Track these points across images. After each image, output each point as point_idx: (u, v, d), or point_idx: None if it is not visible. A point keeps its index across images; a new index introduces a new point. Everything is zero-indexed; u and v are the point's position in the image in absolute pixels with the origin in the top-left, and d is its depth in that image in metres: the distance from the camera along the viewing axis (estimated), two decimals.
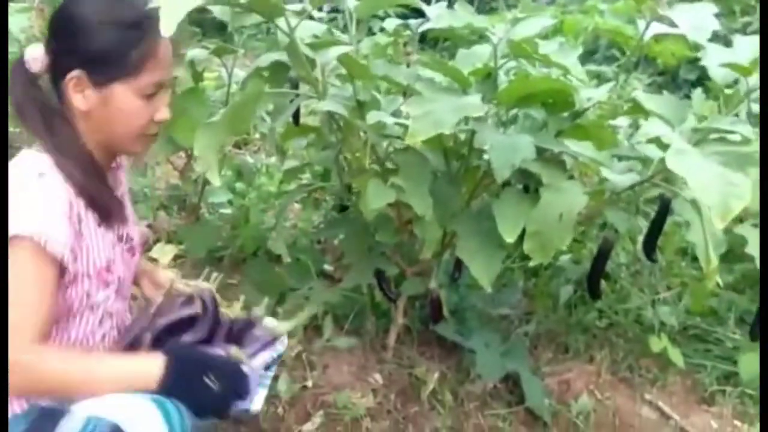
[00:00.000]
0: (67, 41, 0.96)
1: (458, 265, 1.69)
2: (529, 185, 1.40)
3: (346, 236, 1.72)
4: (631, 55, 1.61)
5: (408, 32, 1.54)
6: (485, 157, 1.44)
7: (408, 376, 1.81)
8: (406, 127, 1.14)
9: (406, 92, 1.41)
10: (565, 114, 1.41)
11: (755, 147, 0.98)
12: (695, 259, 2.27)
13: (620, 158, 1.45)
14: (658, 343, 1.82)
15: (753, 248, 1.20)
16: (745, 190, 0.92)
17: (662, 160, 1.15)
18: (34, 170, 0.92)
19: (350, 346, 1.86)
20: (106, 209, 1.00)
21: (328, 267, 2.17)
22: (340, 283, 1.91)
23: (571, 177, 1.51)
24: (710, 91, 2.00)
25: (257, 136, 2.91)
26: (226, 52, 1.81)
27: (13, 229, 0.85)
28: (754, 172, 0.94)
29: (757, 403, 1.77)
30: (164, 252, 2.10)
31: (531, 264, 2.09)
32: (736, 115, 1.18)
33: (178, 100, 1.60)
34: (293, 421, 1.60)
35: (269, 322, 1.18)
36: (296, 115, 1.57)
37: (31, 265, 0.86)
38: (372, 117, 1.23)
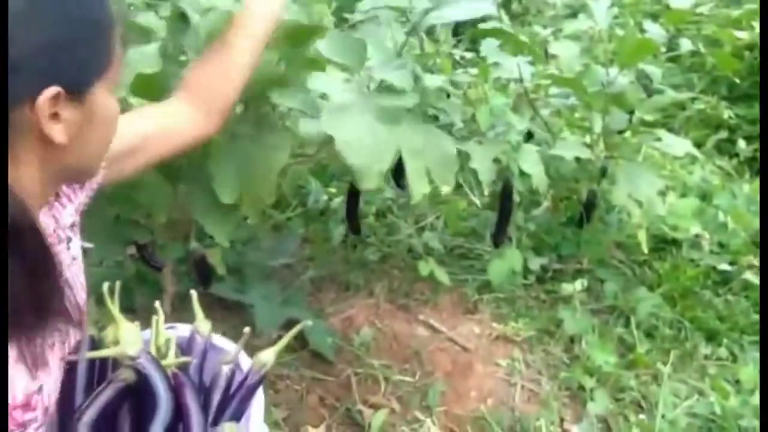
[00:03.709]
0: (29, 43, 0.57)
1: None
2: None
3: (88, 208, 1.54)
4: None
5: None
6: None
7: None
8: None
9: None
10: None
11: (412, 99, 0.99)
12: (458, 185, 2.49)
13: None
14: (425, 267, 1.95)
15: (475, 163, 1.32)
16: (388, 155, 0.93)
17: None
18: None
19: None
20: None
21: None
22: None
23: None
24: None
25: None
26: None
27: None
28: (404, 127, 0.95)
29: (510, 303, 2.01)
30: None
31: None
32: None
33: None
34: None
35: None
36: None
37: None
38: None
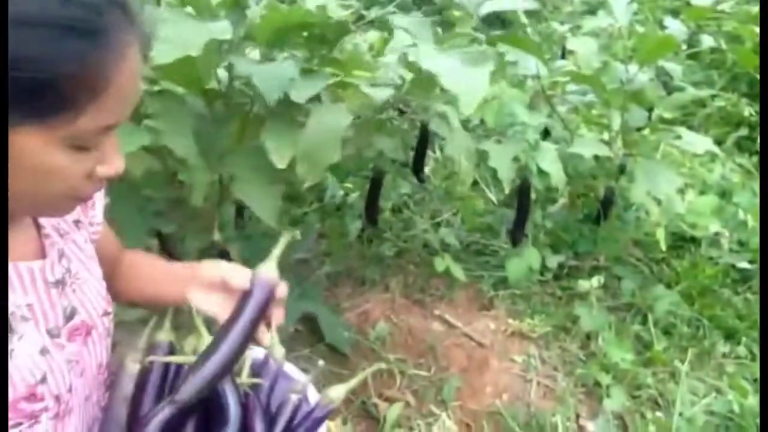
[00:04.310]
0: None
1: (240, 211, 1.64)
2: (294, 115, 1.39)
3: (113, 198, 1.57)
4: None
5: None
6: (250, 93, 1.41)
7: None
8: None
9: None
10: (323, 46, 1.42)
11: (486, 47, 1.08)
12: (475, 182, 2.49)
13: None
14: (441, 263, 1.96)
15: (494, 162, 1.32)
16: (484, 81, 1.03)
17: (412, 80, 1.21)
18: None
19: (139, 318, 1.74)
20: None
21: None
22: None
23: None
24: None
25: None
26: None
27: None
28: (489, 65, 1.04)
29: (526, 300, 2.01)
30: None
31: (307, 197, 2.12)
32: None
33: None
34: None
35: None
36: None
37: None
38: None
